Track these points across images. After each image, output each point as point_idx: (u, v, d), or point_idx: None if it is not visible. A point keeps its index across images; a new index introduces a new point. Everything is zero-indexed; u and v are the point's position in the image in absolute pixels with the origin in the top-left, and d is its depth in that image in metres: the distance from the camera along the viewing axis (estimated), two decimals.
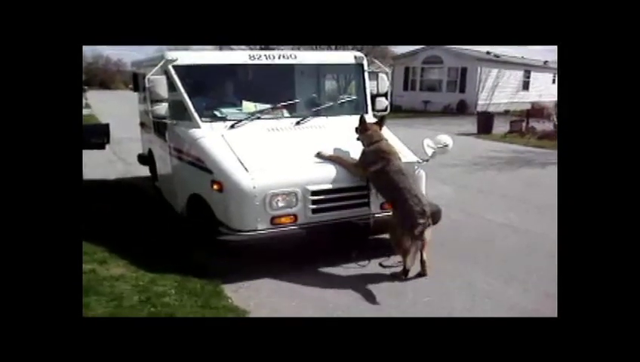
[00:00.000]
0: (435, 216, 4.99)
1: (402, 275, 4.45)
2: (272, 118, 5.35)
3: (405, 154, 5.13)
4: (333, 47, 25.29)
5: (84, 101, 19.24)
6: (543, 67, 31.87)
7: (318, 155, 4.76)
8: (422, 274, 4.50)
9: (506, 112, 23.88)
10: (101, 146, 7.65)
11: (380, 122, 4.96)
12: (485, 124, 16.86)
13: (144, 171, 8.24)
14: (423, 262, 4.50)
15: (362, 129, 4.83)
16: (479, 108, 22.90)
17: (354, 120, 5.50)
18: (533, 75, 30.36)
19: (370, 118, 5.77)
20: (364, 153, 4.72)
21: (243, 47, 20.89)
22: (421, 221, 4.30)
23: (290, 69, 5.87)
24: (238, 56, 5.73)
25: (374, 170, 4.55)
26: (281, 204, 4.46)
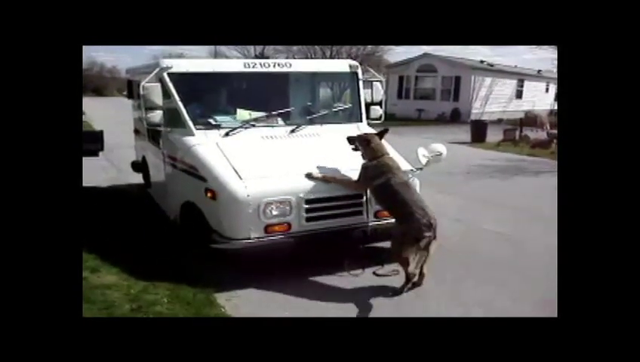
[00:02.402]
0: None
1: (404, 288, 4.39)
2: (267, 126, 5.34)
3: (399, 163, 5.14)
4: (327, 52, 25.44)
5: None
6: (537, 76, 32.10)
7: (309, 176, 4.62)
8: (417, 283, 4.48)
9: (500, 121, 23.99)
10: (94, 153, 7.61)
11: (381, 135, 4.81)
12: (479, 132, 16.92)
13: (137, 178, 8.20)
14: (422, 274, 4.46)
15: (365, 143, 4.68)
16: (473, 117, 22.98)
17: (348, 128, 5.51)
18: (526, 84, 30.56)
19: (365, 127, 5.80)
20: (366, 168, 4.60)
21: (237, 53, 21.01)
22: (427, 234, 4.24)
23: (284, 77, 5.88)
24: (233, 64, 5.74)
25: (377, 184, 4.47)
26: (274, 213, 4.44)
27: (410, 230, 4.27)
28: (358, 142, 4.77)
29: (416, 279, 4.44)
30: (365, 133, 4.84)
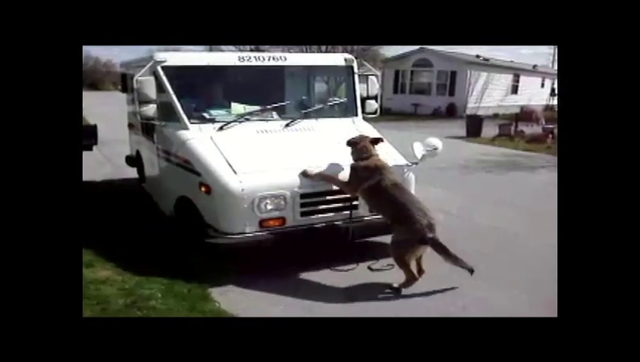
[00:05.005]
0: None
1: (404, 286, 4.34)
2: (262, 120, 5.31)
3: (395, 157, 5.12)
4: (323, 48, 25.34)
5: None
6: (532, 71, 32.14)
7: (304, 174, 4.57)
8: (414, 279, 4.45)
9: (495, 116, 24.02)
10: (88, 148, 7.56)
11: (375, 141, 4.69)
12: (474, 127, 16.93)
13: (132, 173, 8.16)
14: (421, 271, 4.43)
15: (354, 142, 4.63)
16: (468, 112, 23.01)
17: (344, 122, 5.49)
18: (522, 78, 30.58)
19: (361, 122, 5.78)
20: (355, 168, 4.52)
21: (233, 47, 20.92)
22: (430, 235, 4.19)
23: (279, 70, 5.84)
24: (228, 57, 5.68)
25: (369, 185, 4.40)
26: (269, 207, 4.42)
27: (413, 234, 4.20)
28: (349, 143, 4.68)
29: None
30: (358, 137, 4.70)
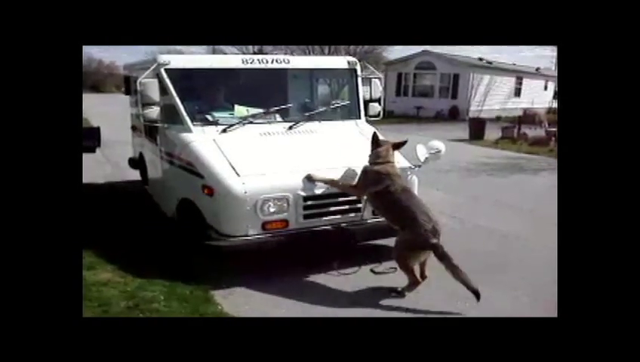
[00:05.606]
0: None
1: (405, 291, 4.32)
2: (265, 123, 5.31)
3: (398, 160, 5.11)
4: (326, 49, 25.35)
5: None
6: (535, 74, 32.11)
7: (309, 178, 4.54)
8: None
9: (498, 119, 23.98)
10: (91, 150, 7.57)
11: (398, 145, 4.64)
12: (477, 130, 16.92)
13: (135, 175, 8.17)
14: (424, 276, 4.41)
15: (374, 144, 4.59)
16: (471, 115, 22.96)
17: (347, 125, 5.47)
18: (525, 81, 30.56)
19: (364, 124, 5.77)
20: (365, 172, 4.50)
21: (235, 49, 20.94)
22: (433, 241, 4.15)
23: (283, 73, 5.84)
24: (231, 60, 5.69)
25: (375, 191, 4.38)
26: (272, 210, 4.41)
27: (415, 238, 4.16)
28: (372, 140, 4.65)
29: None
30: (381, 138, 4.67)
